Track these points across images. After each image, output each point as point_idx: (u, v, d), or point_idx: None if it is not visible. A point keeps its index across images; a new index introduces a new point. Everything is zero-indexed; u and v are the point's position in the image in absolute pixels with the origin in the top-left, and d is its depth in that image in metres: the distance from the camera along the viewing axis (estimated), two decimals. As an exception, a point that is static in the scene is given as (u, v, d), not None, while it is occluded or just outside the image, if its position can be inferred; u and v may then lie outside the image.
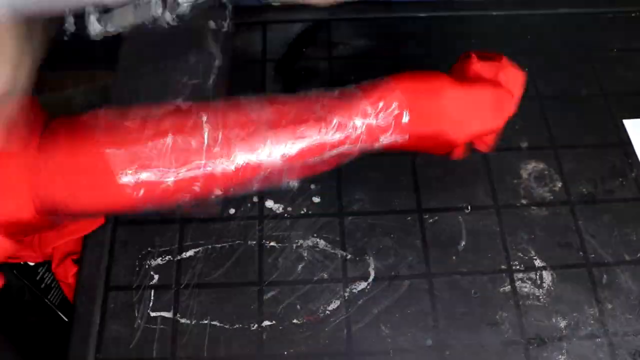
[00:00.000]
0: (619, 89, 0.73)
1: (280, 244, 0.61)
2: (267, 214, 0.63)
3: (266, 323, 0.57)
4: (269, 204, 0.63)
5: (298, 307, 0.58)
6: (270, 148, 0.50)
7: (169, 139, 0.49)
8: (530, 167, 0.66)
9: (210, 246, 0.61)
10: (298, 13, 0.78)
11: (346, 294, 0.58)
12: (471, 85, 0.53)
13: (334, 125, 0.50)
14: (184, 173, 0.49)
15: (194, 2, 0.48)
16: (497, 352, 0.56)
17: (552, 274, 0.60)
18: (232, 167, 0.49)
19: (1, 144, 0.44)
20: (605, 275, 0.60)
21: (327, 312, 0.58)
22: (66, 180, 0.47)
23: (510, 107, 0.54)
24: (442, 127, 0.52)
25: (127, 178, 0.48)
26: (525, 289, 0.59)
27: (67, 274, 0.60)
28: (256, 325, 0.57)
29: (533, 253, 0.61)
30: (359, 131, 0.51)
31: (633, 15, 0.80)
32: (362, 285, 0.59)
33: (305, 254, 0.60)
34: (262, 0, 0.48)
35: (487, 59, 0.55)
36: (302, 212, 0.63)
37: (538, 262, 0.60)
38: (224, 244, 0.61)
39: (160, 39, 0.53)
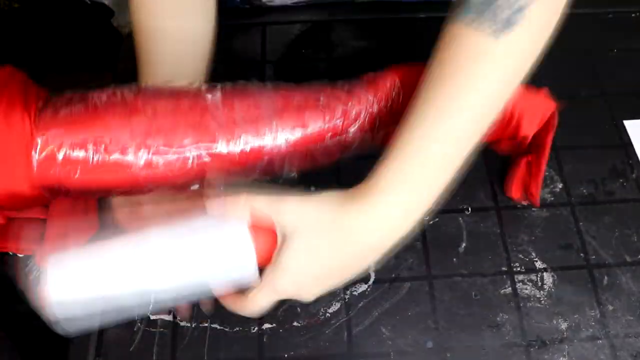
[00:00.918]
0: (619, 89, 0.73)
1: (280, 246, 0.61)
2: (267, 216, 0.62)
3: (266, 326, 0.57)
4: (269, 206, 0.63)
5: (298, 309, 0.58)
6: (275, 132, 0.50)
7: (173, 118, 0.49)
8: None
9: (210, 248, 0.61)
10: (298, 14, 0.78)
11: (346, 296, 0.58)
12: None
13: (337, 112, 0.51)
14: (186, 153, 0.49)
15: None
16: (498, 354, 0.55)
17: (552, 276, 0.60)
18: (237, 150, 0.49)
19: (1, 115, 0.46)
20: (606, 277, 0.60)
21: (328, 314, 0.57)
22: (63, 155, 0.47)
23: (510, 100, 0.53)
24: None
25: (127, 155, 0.48)
26: (526, 291, 0.59)
27: None
28: (256, 328, 0.57)
29: (534, 255, 0.61)
30: (361, 119, 0.52)
31: (633, 15, 0.80)
32: (363, 287, 0.59)
33: (306, 256, 0.60)
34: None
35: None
36: (302, 214, 0.63)
37: (539, 264, 0.60)
38: (224, 247, 0.61)
39: None
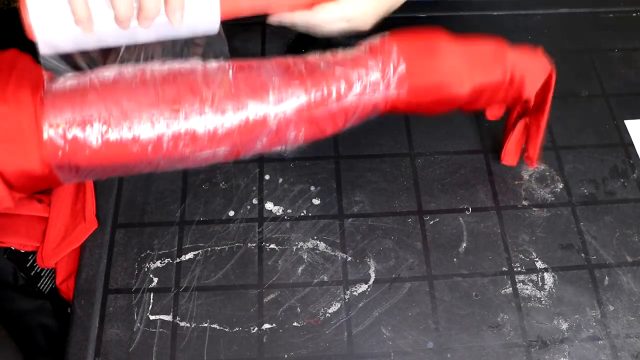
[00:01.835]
0: (620, 89, 0.72)
1: (280, 247, 0.61)
2: (267, 216, 0.62)
3: (266, 326, 0.57)
4: (269, 206, 0.63)
5: (298, 309, 0.57)
6: (279, 98, 0.51)
7: (178, 90, 0.50)
8: (531, 168, 0.66)
9: (209, 249, 0.60)
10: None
11: (346, 297, 0.58)
12: (469, 38, 0.55)
13: (338, 76, 0.53)
14: (193, 124, 0.50)
15: None
16: (499, 355, 0.55)
17: (553, 276, 0.60)
18: (243, 118, 0.50)
19: (11, 95, 0.47)
20: (607, 277, 0.60)
21: (328, 314, 0.57)
22: (72, 132, 0.48)
23: (510, 61, 0.56)
24: (442, 79, 0.54)
25: (135, 130, 0.48)
26: (527, 291, 0.59)
27: (71, 291, 0.60)
28: (256, 328, 0.56)
29: (534, 255, 0.61)
30: (362, 82, 0.53)
31: (633, 15, 0.79)
32: (363, 287, 0.59)
33: (306, 257, 0.60)
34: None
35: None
36: (302, 214, 0.63)
37: (539, 264, 0.60)
38: (224, 247, 0.61)
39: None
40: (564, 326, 0.57)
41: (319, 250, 0.61)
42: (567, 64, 0.74)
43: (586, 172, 0.66)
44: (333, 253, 0.60)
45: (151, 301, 0.58)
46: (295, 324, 0.57)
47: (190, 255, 0.60)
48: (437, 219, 0.63)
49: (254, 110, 0.51)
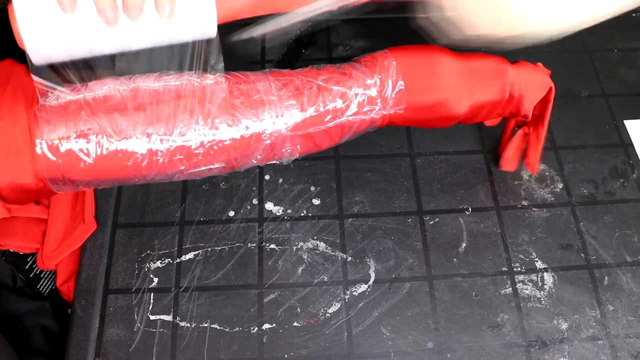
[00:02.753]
0: (619, 89, 0.72)
1: (280, 247, 0.61)
2: (267, 216, 0.62)
3: (266, 326, 0.57)
4: (269, 206, 0.63)
5: (298, 309, 0.57)
6: (275, 115, 0.51)
7: (173, 106, 0.49)
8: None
9: (210, 249, 0.60)
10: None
11: (346, 297, 0.58)
12: (468, 55, 0.54)
13: (335, 94, 0.52)
14: (187, 140, 0.49)
15: None
16: (499, 355, 0.55)
17: (553, 276, 0.60)
18: (238, 135, 0.50)
19: (5, 109, 0.46)
20: (606, 277, 0.60)
21: (328, 314, 0.57)
22: (66, 146, 0.47)
23: (510, 78, 0.55)
24: (441, 97, 0.53)
25: (129, 145, 0.48)
26: (527, 291, 0.59)
27: (71, 293, 0.60)
28: (256, 328, 0.56)
29: (534, 255, 0.61)
30: (358, 100, 0.52)
31: (633, 15, 0.79)
32: (363, 287, 0.59)
33: (306, 257, 0.60)
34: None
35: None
36: (302, 214, 0.63)
37: (539, 264, 0.60)
38: (224, 247, 0.61)
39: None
40: (564, 326, 0.57)
41: (319, 250, 0.61)
42: (567, 64, 0.75)
43: (586, 172, 0.66)
44: (333, 253, 0.60)
45: (151, 301, 0.58)
46: (295, 324, 0.57)
47: (190, 256, 0.60)
48: (437, 219, 0.63)
49: (249, 126, 0.51)
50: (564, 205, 0.64)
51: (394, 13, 0.54)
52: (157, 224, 0.62)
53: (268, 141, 0.51)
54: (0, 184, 0.47)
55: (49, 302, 0.63)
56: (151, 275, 0.59)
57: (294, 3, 0.55)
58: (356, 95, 0.53)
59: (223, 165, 0.52)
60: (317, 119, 0.52)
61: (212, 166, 0.52)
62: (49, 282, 0.66)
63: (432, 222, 0.62)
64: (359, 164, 0.66)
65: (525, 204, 0.64)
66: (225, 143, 0.50)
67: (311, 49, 0.75)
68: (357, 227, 0.62)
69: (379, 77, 0.53)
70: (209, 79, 0.52)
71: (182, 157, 0.50)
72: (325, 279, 0.59)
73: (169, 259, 0.60)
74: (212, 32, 0.52)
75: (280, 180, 0.65)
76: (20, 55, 0.50)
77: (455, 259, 0.60)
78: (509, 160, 0.64)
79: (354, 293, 0.58)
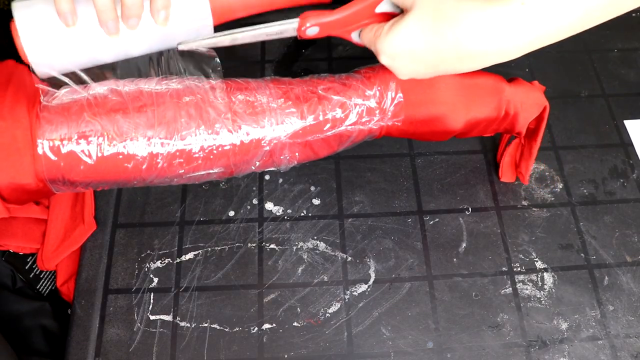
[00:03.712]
0: (619, 89, 0.72)
1: (280, 247, 0.61)
2: (267, 216, 0.62)
3: (266, 326, 0.57)
4: (269, 206, 0.63)
5: (298, 309, 0.57)
6: (274, 122, 0.51)
7: (174, 110, 0.50)
8: (531, 169, 0.66)
9: (210, 249, 0.60)
10: (297, 14, 0.78)
11: (346, 297, 0.58)
12: (467, 72, 0.54)
13: (335, 104, 0.53)
14: (188, 145, 0.50)
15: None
16: (499, 355, 0.55)
17: (553, 276, 0.60)
18: (237, 140, 0.51)
19: (7, 110, 0.47)
20: (606, 277, 0.60)
21: (328, 314, 0.57)
22: (67, 148, 0.48)
23: (506, 96, 0.56)
24: (438, 112, 0.54)
25: (129, 147, 0.49)
26: (527, 291, 0.59)
27: (71, 293, 0.60)
28: (256, 328, 0.56)
29: (534, 255, 0.61)
30: (357, 110, 0.53)
31: (633, 15, 0.79)
32: (363, 287, 0.59)
33: (306, 257, 0.60)
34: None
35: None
36: (302, 214, 0.63)
37: (539, 264, 0.60)
38: (224, 247, 0.61)
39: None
40: (564, 326, 0.57)
41: (319, 250, 0.61)
42: (567, 64, 0.75)
43: (586, 172, 0.66)
44: (333, 253, 0.61)
45: (151, 301, 0.58)
46: (295, 324, 0.57)
47: (190, 255, 0.60)
48: (437, 219, 0.63)
49: (249, 132, 0.51)
50: (564, 205, 0.64)
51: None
52: (157, 224, 0.62)
53: (267, 147, 0.52)
54: (0, 183, 0.47)
55: (48, 303, 0.63)
56: (151, 275, 0.59)
57: (288, 2, 0.55)
58: (355, 105, 0.53)
59: (222, 170, 0.53)
60: (317, 127, 0.53)
61: (211, 171, 0.52)
62: (49, 283, 0.66)
63: (432, 222, 0.62)
64: (359, 164, 0.66)
65: (525, 204, 0.64)
66: (225, 148, 0.51)
67: (311, 49, 0.75)
68: (357, 227, 0.62)
69: (379, 88, 0.54)
70: (210, 85, 0.52)
71: (181, 160, 0.50)
72: (325, 279, 0.59)
73: (169, 259, 0.60)
74: (209, 32, 0.52)
75: (280, 180, 0.65)
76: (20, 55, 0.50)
77: (455, 259, 0.60)
78: (507, 172, 0.65)
79: (354, 293, 0.58)
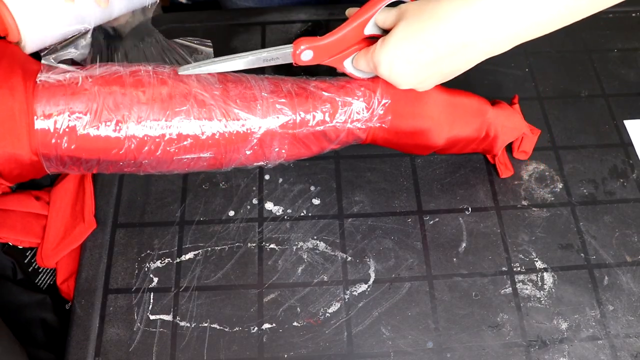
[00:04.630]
0: (619, 89, 0.72)
1: (280, 246, 0.61)
2: (266, 216, 0.62)
3: (266, 326, 0.57)
4: (269, 206, 0.63)
5: (298, 309, 0.57)
6: (266, 111, 0.53)
7: (168, 91, 0.51)
8: (531, 169, 0.66)
9: (209, 248, 0.61)
10: (297, 13, 0.78)
11: (346, 297, 0.58)
12: (454, 91, 0.57)
13: (324, 100, 0.55)
14: (178, 128, 0.51)
15: None
16: (498, 355, 0.55)
17: (553, 276, 0.60)
18: (230, 126, 0.52)
19: (2, 79, 0.48)
20: (606, 277, 0.60)
21: (328, 314, 0.57)
22: (62, 122, 0.49)
23: (489, 118, 0.59)
24: (422, 126, 0.57)
25: (122, 128, 0.50)
26: (526, 291, 0.59)
27: (71, 291, 0.60)
28: (256, 328, 0.56)
29: (534, 254, 0.61)
30: (346, 109, 0.55)
31: (633, 15, 0.79)
32: (363, 287, 0.59)
33: (305, 256, 0.60)
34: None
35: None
36: (302, 214, 0.63)
37: (539, 264, 0.60)
38: (224, 247, 0.61)
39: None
40: (564, 326, 0.57)
41: (318, 250, 0.61)
42: (567, 64, 0.75)
43: (586, 172, 0.66)
44: (333, 253, 0.61)
45: (151, 301, 0.58)
46: (295, 323, 0.57)
47: (190, 255, 0.60)
48: (436, 219, 0.63)
49: (241, 119, 0.53)
50: (563, 205, 0.64)
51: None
52: (157, 224, 0.62)
53: (258, 135, 0.53)
54: None
55: (49, 296, 0.63)
56: (151, 275, 0.59)
57: None
58: (345, 104, 0.55)
59: (212, 155, 0.54)
60: (306, 120, 0.54)
61: (202, 155, 0.53)
62: (47, 277, 0.66)
63: (432, 222, 0.62)
64: (359, 164, 0.66)
65: (525, 204, 0.64)
66: (217, 132, 0.52)
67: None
68: (357, 227, 0.62)
69: (368, 90, 0.56)
70: (208, 76, 0.54)
71: (174, 139, 0.51)
72: (325, 278, 0.59)
73: (169, 259, 0.60)
74: None
75: (280, 180, 0.65)
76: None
77: (455, 259, 0.60)
78: (503, 169, 0.65)
79: (354, 293, 0.58)
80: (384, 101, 0.56)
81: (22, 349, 0.55)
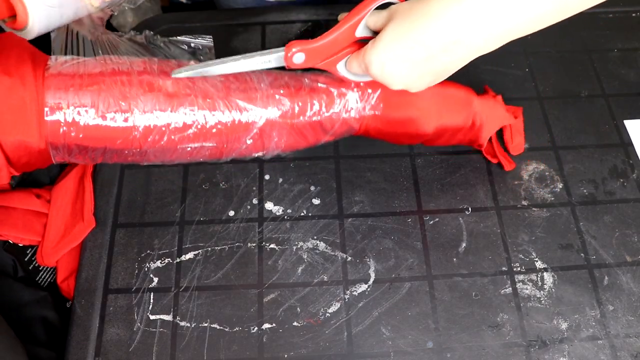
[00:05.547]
0: (619, 89, 0.72)
1: (280, 246, 0.61)
2: (267, 216, 0.62)
3: (266, 326, 0.57)
4: (269, 206, 0.63)
5: (298, 309, 0.57)
6: (266, 101, 0.54)
7: (173, 81, 0.53)
8: (531, 169, 0.66)
9: (209, 248, 0.61)
10: (297, 13, 0.78)
11: (346, 296, 0.58)
12: (443, 82, 0.57)
13: (321, 91, 0.56)
14: (183, 117, 0.52)
15: None
16: (498, 355, 0.55)
17: (553, 276, 0.60)
18: (230, 114, 0.54)
19: (13, 67, 0.49)
20: (606, 277, 0.60)
21: (328, 314, 0.57)
22: (71, 111, 0.50)
23: (475, 108, 0.61)
24: (412, 115, 0.58)
25: (129, 118, 0.51)
26: (526, 291, 0.59)
27: (71, 290, 0.60)
28: (256, 328, 0.56)
29: (534, 254, 0.61)
30: (341, 99, 0.57)
31: (633, 15, 0.79)
32: (363, 287, 0.59)
33: (305, 256, 0.60)
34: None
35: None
36: (302, 214, 0.63)
37: (539, 264, 0.60)
38: (224, 246, 0.61)
39: None
40: (564, 326, 0.57)
41: (318, 250, 0.61)
42: (567, 64, 0.75)
43: (586, 172, 0.66)
44: (333, 253, 0.61)
45: (151, 301, 0.58)
46: (295, 323, 0.57)
47: (190, 255, 0.60)
48: (436, 219, 0.63)
49: (242, 109, 0.54)
50: (563, 205, 0.64)
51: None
52: (157, 224, 0.62)
53: (259, 124, 0.54)
54: (6, 140, 0.49)
55: (49, 294, 0.63)
56: (151, 275, 0.59)
57: None
58: (340, 95, 0.56)
59: (214, 145, 0.55)
60: (304, 110, 0.56)
61: (205, 144, 0.54)
62: (48, 275, 0.66)
63: (432, 222, 0.62)
64: (359, 164, 0.66)
65: (525, 204, 0.64)
66: (220, 121, 0.53)
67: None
68: (357, 227, 0.62)
69: (362, 83, 0.57)
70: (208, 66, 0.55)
71: (179, 127, 0.52)
72: (325, 278, 0.59)
73: (169, 259, 0.60)
74: None
75: (280, 180, 0.65)
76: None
77: (455, 259, 0.60)
78: (505, 160, 0.65)
79: (354, 293, 0.58)
80: (377, 91, 0.57)
81: (23, 347, 0.54)
